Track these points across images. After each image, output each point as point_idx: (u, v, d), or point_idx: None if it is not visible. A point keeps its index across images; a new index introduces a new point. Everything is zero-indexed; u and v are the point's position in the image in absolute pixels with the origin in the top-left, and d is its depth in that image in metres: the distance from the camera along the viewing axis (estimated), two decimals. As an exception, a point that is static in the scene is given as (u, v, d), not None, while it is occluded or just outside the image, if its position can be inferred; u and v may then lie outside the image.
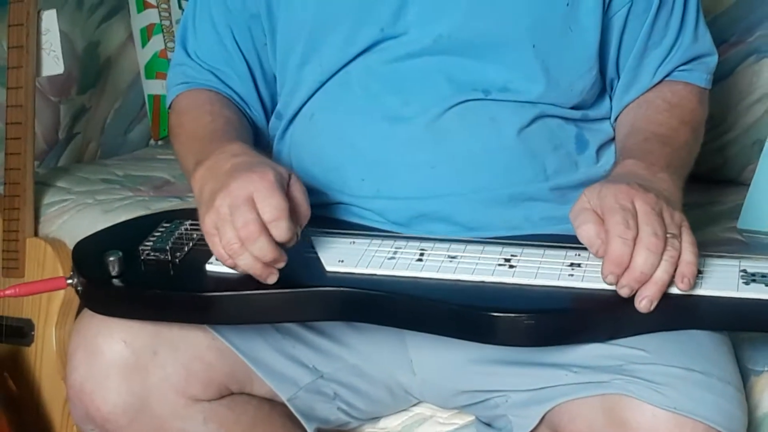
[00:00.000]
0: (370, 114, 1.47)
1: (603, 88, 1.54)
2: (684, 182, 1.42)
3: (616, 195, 1.25)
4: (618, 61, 1.52)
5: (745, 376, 1.39)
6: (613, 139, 1.54)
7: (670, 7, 1.51)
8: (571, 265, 1.31)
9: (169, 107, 1.63)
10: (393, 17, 1.46)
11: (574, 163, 1.49)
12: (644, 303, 1.23)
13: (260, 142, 1.61)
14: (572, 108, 1.49)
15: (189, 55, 1.62)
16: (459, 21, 1.44)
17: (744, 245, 1.81)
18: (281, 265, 1.30)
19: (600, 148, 1.52)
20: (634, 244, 1.22)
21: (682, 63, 1.53)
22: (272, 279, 1.30)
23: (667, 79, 1.53)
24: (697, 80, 1.54)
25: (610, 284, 1.25)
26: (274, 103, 1.63)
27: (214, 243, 1.29)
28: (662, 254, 1.23)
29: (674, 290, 1.26)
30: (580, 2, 1.45)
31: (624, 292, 1.24)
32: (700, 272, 1.28)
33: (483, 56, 1.44)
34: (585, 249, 1.33)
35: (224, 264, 1.31)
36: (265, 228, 1.26)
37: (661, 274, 1.23)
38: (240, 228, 1.26)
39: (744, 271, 1.29)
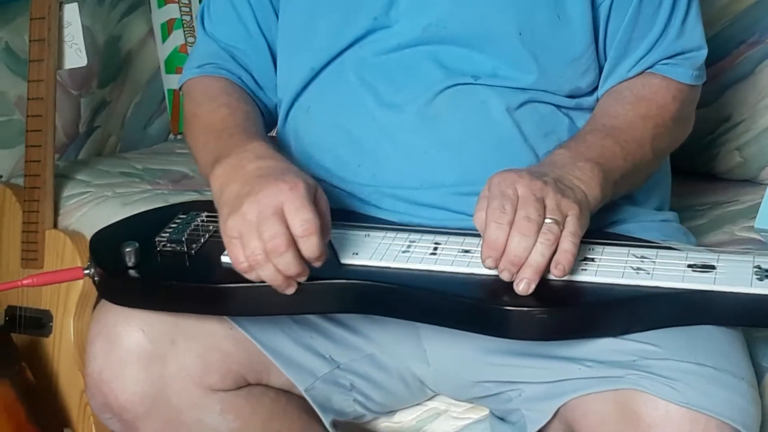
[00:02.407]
0: (364, 101, 1.48)
1: (597, 77, 1.53)
2: (631, 175, 1.44)
3: (500, 182, 1.28)
4: (605, 51, 1.51)
5: (759, 374, 1.39)
6: None
7: (657, 2, 1.49)
8: (585, 259, 1.31)
9: (180, 88, 1.63)
10: (386, 7, 1.47)
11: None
12: (522, 286, 1.25)
13: (273, 125, 1.63)
14: (566, 96, 1.49)
15: (207, 34, 1.63)
16: (446, 10, 1.45)
17: (761, 245, 1.80)
18: (303, 278, 1.29)
19: None
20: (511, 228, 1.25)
21: (665, 57, 1.50)
22: (291, 290, 1.29)
23: (648, 71, 1.51)
24: (680, 76, 1.51)
25: (489, 268, 1.26)
26: None
27: (234, 248, 1.27)
28: (537, 238, 1.24)
29: (687, 285, 1.26)
30: None
31: (504, 276, 1.25)
32: (712, 267, 1.28)
33: (471, 44, 1.45)
34: (598, 243, 1.35)
35: (240, 271, 1.29)
36: (292, 242, 1.25)
37: (536, 256, 1.24)
38: (267, 240, 1.24)
39: (758, 266, 1.29)
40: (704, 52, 1.54)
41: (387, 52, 1.47)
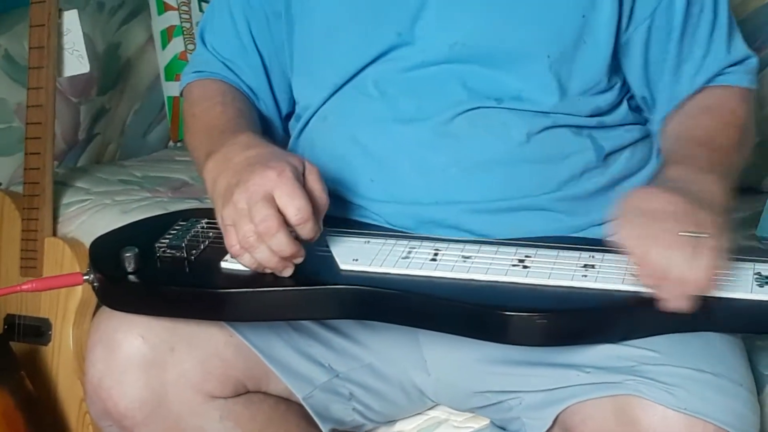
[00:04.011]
0: (383, 116, 1.48)
1: (621, 97, 1.53)
2: (733, 182, 1.41)
3: (639, 198, 1.27)
4: (648, 77, 1.52)
5: (760, 383, 1.39)
6: (628, 146, 1.53)
7: (696, 20, 1.49)
8: (585, 266, 1.32)
9: (181, 94, 1.65)
10: (410, 21, 1.46)
11: (585, 173, 1.48)
12: (672, 303, 1.24)
13: (271, 134, 1.63)
14: (587, 116, 1.49)
15: (206, 46, 1.64)
16: (474, 29, 1.45)
17: (764, 253, 1.80)
18: (299, 260, 1.31)
19: (612, 155, 1.51)
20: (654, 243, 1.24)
21: (719, 71, 1.51)
22: (288, 272, 1.31)
23: (707, 86, 1.52)
24: (738, 81, 1.52)
25: (646, 286, 1.26)
26: (288, 101, 1.64)
27: (229, 236, 1.30)
28: (682, 251, 1.23)
29: (689, 292, 1.26)
30: (595, 15, 1.45)
31: (658, 293, 1.24)
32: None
33: (497, 65, 1.45)
34: (599, 251, 1.35)
35: (237, 259, 1.31)
36: (283, 223, 1.27)
37: (682, 270, 1.22)
38: (258, 223, 1.27)
39: (758, 273, 1.29)
40: (755, 58, 1.55)
41: (411, 68, 1.47)
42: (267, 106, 1.63)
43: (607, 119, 1.51)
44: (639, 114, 1.57)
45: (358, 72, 1.50)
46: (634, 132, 1.54)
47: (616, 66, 1.50)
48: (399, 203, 1.46)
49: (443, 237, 1.41)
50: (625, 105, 1.54)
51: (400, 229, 1.46)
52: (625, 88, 1.54)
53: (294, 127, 1.62)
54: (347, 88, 1.52)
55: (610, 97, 1.51)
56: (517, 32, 1.44)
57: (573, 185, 1.46)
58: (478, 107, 1.45)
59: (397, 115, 1.47)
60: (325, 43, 1.53)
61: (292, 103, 1.65)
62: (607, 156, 1.50)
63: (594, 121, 1.49)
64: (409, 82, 1.47)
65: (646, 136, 1.56)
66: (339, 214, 1.47)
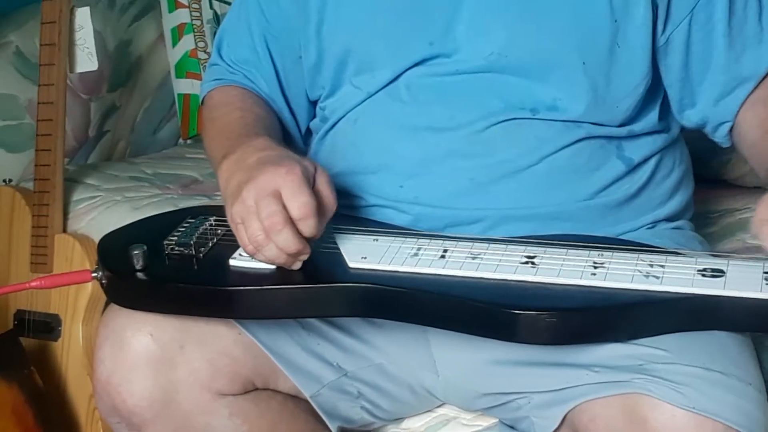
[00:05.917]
0: (415, 122, 1.48)
1: (649, 101, 1.53)
2: None
3: None
4: (690, 77, 1.51)
5: (770, 383, 1.39)
6: (655, 153, 1.53)
7: (742, 12, 1.49)
8: (594, 264, 1.31)
9: (202, 102, 1.66)
10: (443, 32, 1.46)
11: (615, 183, 1.49)
12: None
13: (289, 140, 1.63)
14: (618, 126, 1.49)
15: (222, 58, 1.65)
16: (508, 38, 1.44)
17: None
18: (305, 257, 1.32)
19: (640, 164, 1.52)
20: None
21: None
22: (296, 266, 1.32)
23: None
24: None
25: None
26: (306, 115, 1.65)
27: (240, 233, 1.31)
28: None
29: (696, 291, 1.26)
30: (628, 19, 1.44)
31: None
32: (722, 272, 1.28)
33: (534, 75, 1.45)
34: (608, 249, 1.35)
35: (249, 254, 1.32)
36: (289, 220, 1.28)
37: None
38: (264, 219, 1.27)
39: (767, 272, 1.28)
40: None
41: (446, 75, 1.47)
42: (284, 118, 1.63)
43: (636, 127, 1.51)
44: (666, 121, 1.56)
45: (392, 80, 1.50)
46: (661, 140, 1.54)
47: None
48: (426, 206, 1.47)
49: (452, 235, 1.41)
50: (654, 111, 1.53)
51: (424, 231, 1.45)
52: (656, 92, 1.54)
53: (318, 127, 1.62)
54: (380, 93, 1.52)
55: (640, 102, 1.50)
56: (552, 41, 1.44)
57: (603, 195, 1.47)
58: (513, 118, 1.45)
59: (429, 123, 1.47)
60: (356, 55, 1.52)
61: (311, 116, 1.65)
62: (636, 166, 1.50)
63: (624, 130, 1.50)
64: (442, 88, 1.47)
65: (671, 144, 1.57)
66: (359, 215, 1.48)
